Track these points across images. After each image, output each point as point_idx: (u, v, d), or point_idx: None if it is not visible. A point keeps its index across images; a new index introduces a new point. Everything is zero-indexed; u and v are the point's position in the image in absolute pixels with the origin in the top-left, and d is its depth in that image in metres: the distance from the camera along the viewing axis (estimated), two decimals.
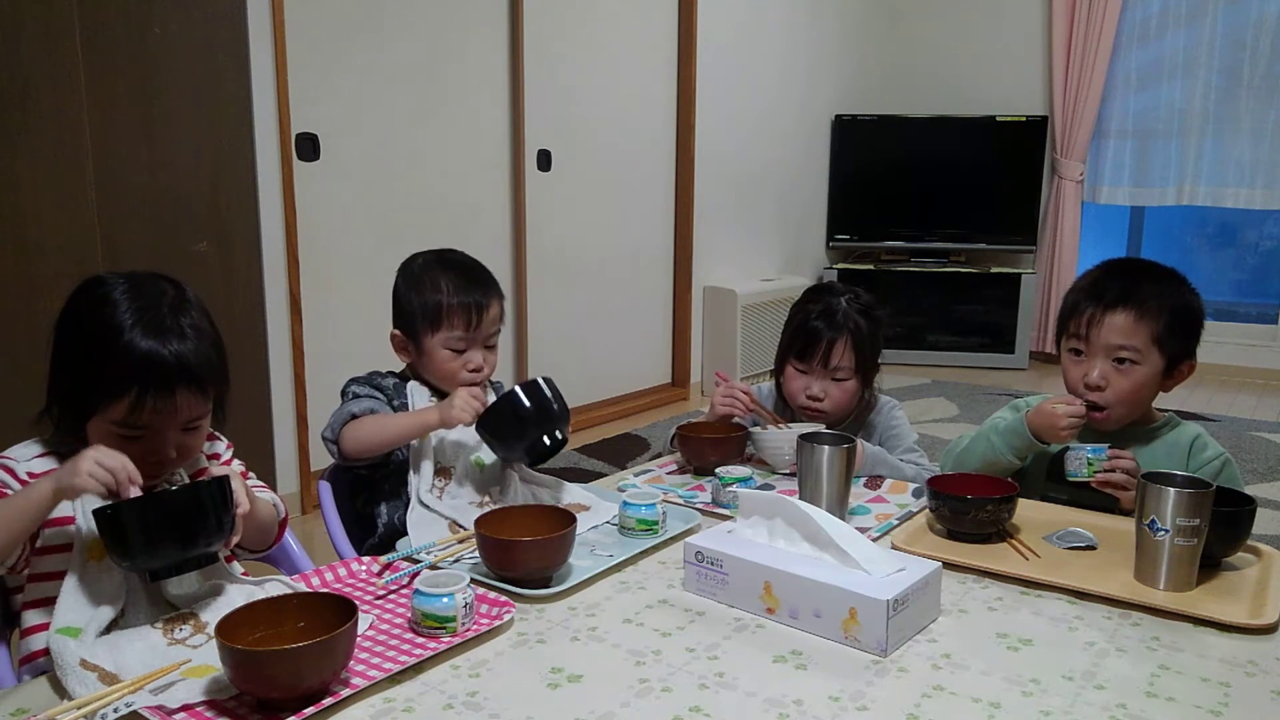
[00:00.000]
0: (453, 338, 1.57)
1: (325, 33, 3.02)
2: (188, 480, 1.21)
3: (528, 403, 1.46)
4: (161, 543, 1.04)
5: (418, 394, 1.59)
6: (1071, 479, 1.48)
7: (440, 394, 1.59)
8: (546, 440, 1.46)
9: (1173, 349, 1.52)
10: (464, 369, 1.58)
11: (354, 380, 1.61)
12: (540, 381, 1.49)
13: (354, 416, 1.51)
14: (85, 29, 2.30)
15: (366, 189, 3.21)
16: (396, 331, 1.63)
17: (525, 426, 1.46)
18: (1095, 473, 1.45)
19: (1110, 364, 1.53)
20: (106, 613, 1.07)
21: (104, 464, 1.04)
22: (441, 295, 1.56)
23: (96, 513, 1.04)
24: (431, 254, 1.64)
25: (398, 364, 1.68)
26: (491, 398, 1.57)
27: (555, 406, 1.49)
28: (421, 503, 1.45)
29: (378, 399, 1.57)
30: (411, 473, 1.49)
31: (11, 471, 1.13)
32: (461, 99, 3.51)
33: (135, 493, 1.05)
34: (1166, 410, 1.61)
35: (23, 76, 2.21)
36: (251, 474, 1.32)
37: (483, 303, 1.58)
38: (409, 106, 3.31)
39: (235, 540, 1.14)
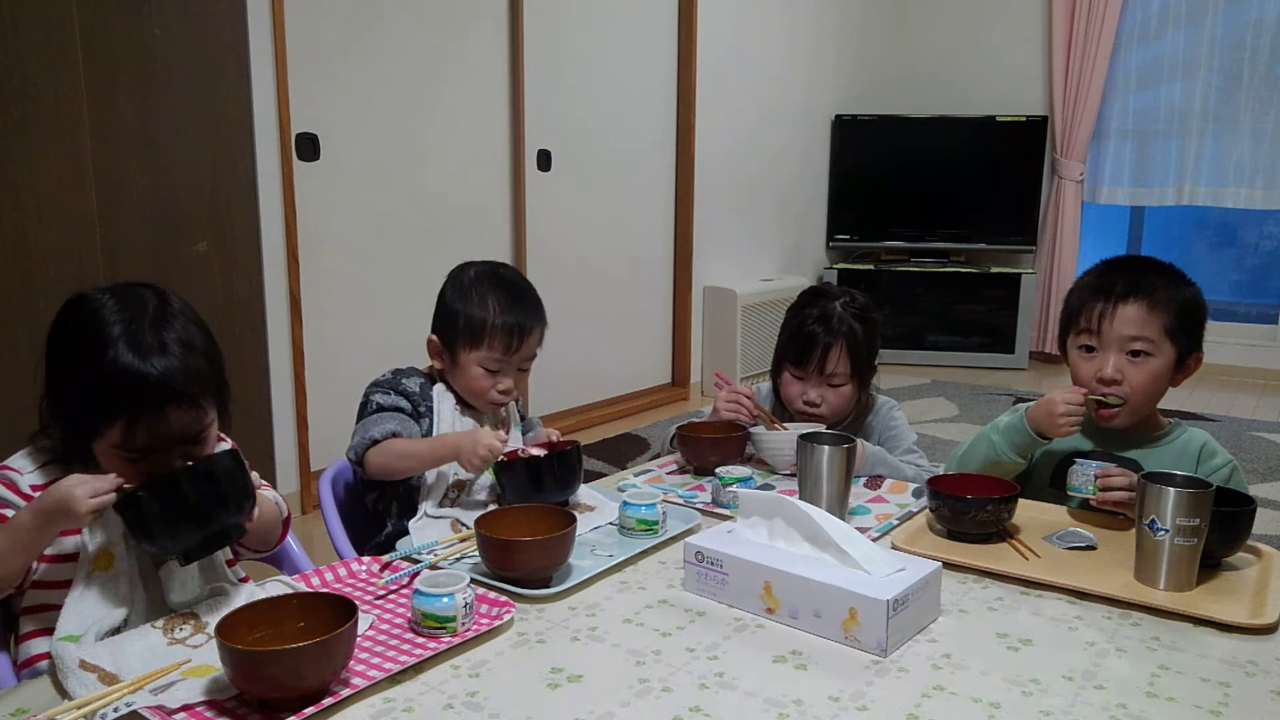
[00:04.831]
0: (490, 358, 1.55)
1: (325, 33, 3.02)
2: None
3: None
4: (182, 523, 1.06)
5: (443, 400, 1.59)
6: (1074, 493, 1.43)
7: (465, 404, 1.59)
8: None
9: (1183, 342, 1.52)
10: (494, 389, 1.57)
11: (376, 386, 1.58)
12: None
13: (375, 442, 1.48)
14: (85, 29, 2.30)
15: (366, 189, 3.21)
16: (433, 337, 1.61)
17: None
18: (1098, 490, 1.39)
19: (1124, 357, 1.51)
20: (109, 621, 1.07)
21: (100, 490, 1.04)
22: (487, 314, 1.55)
23: (117, 506, 1.05)
24: (485, 267, 1.62)
25: (403, 359, 1.67)
26: (514, 439, 1.60)
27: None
28: (428, 515, 1.46)
29: (401, 410, 1.55)
30: (423, 484, 1.50)
31: (13, 485, 1.12)
32: (461, 99, 3.50)
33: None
34: (1170, 415, 1.61)
35: (23, 76, 2.21)
36: (254, 473, 1.32)
37: (526, 327, 1.57)
38: (409, 106, 3.31)
39: (256, 515, 1.14)
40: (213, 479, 1.08)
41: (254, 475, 1.29)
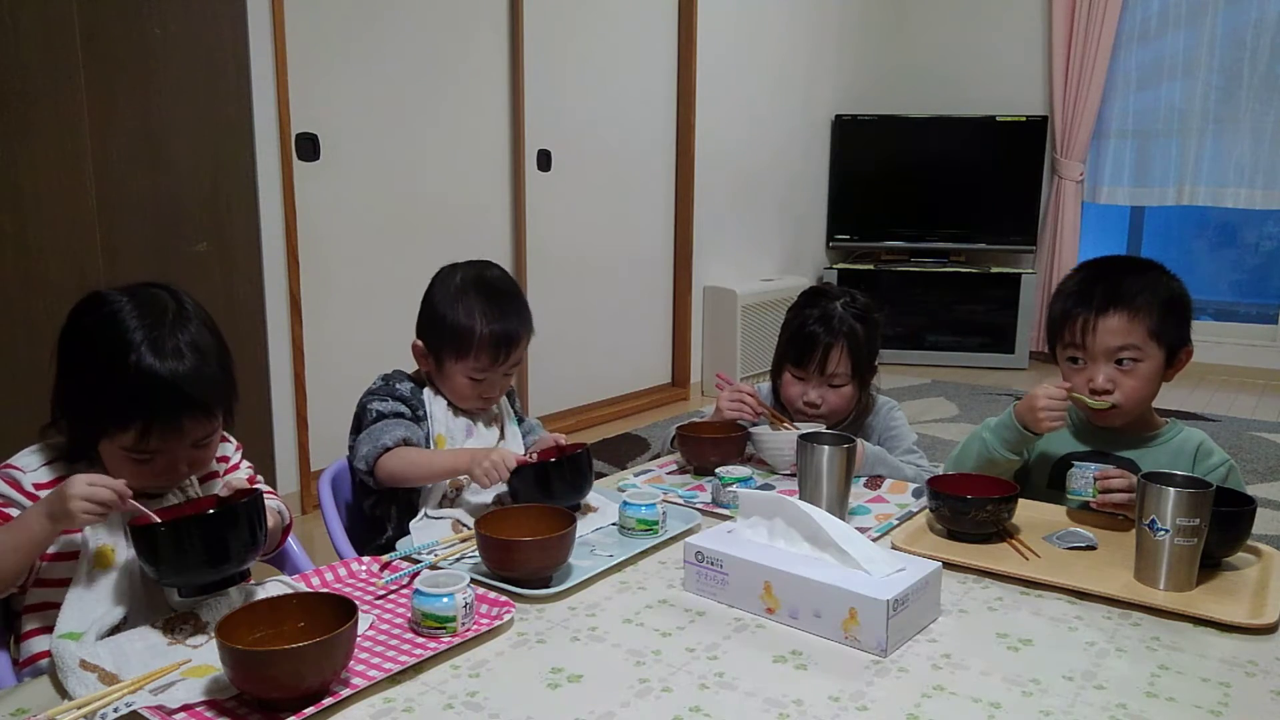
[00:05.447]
0: (476, 368, 1.55)
1: (325, 33, 3.02)
2: (197, 486, 1.21)
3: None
4: (196, 564, 1.06)
5: (434, 403, 1.59)
6: (1074, 497, 1.43)
7: (455, 406, 1.61)
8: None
9: (1170, 339, 1.52)
10: (479, 395, 1.59)
11: (372, 395, 1.57)
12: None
13: (386, 449, 1.48)
14: (85, 29, 2.30)
15: (366, 189, 3.21)
16: (419, 342, 1.60)
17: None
18: (1098, 493, 1.39)
19: (1113, 366, 1.52)
20: (109, 618, 1.07)
21: (96, 499, 1.03)
22: (475, 325, 1.53)
23: (133, 529, 1.05)
24: (471, 272, 1.60)
25: (403, 360, 1.67)
26: (510, 435, 1.62)
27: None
28: (428, 515, 1.46)
29: (403, 416, 1.54)
30: (422, 487, 1.50)
31: (16, 484, 1.12)
32: (461, 99, 3.50)
33: (133, 503, 1.06)
34: (1167, 414, 1.61)
35: (23, 76, 2.21)
36: (260, 478, 1.32)
37: (514, 339, 1.56)
38: (409, 106, 3.31)
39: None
40: (234, 530, 1.08)
41: (259, 482, 1.29)
